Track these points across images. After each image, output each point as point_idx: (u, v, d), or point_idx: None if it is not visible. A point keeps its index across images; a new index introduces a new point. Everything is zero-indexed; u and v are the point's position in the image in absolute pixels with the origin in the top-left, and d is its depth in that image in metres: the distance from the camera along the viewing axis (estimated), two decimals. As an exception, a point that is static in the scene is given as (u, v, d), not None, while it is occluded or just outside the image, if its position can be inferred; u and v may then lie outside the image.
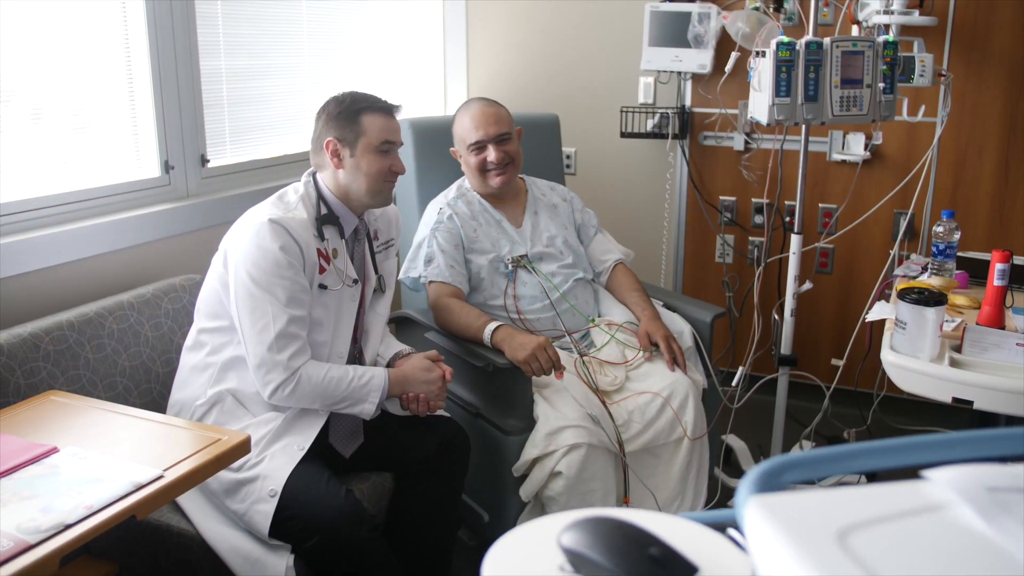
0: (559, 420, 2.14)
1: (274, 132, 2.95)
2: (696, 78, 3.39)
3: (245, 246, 1.90)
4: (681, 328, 2.54)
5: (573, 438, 2.11)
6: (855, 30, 2.86)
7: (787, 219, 3.39)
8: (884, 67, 2.30)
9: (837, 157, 3.25)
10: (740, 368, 2.57)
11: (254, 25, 2.83)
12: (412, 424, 2.09)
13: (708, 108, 3.42)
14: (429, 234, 2.47)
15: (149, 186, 2.46)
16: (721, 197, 3.50)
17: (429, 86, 3.77)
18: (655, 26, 3.27)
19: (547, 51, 3.65)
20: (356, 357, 2.13)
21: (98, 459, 1.45)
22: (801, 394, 3.14)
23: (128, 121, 2.41)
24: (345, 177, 2.03)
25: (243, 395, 1.95)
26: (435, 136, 2.77)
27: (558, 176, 2.98)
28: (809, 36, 2.34)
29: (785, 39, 2.27)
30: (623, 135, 3.43)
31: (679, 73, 3.38)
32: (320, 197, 2.05)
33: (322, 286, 1.98)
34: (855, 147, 3.21)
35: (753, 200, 3.45)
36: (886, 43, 2.30)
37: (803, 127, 2.48)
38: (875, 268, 3.35)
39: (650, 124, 3.43)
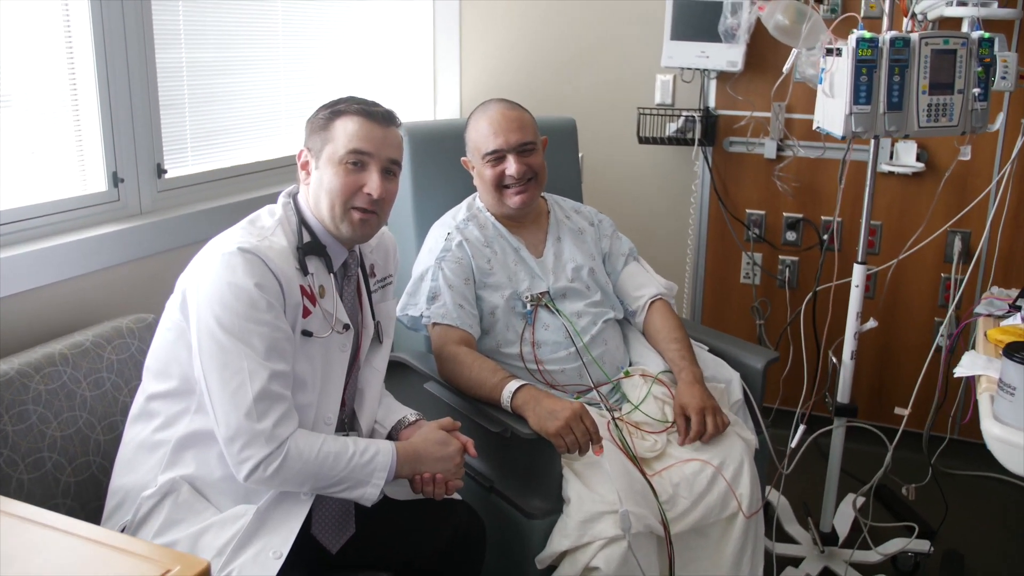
0: (596, 504, 1.75)
1: (244, 136, 2.53)
2: (723, 76, 3.01)
3: (210, 284, 1.49)
4: (728, 376, 2.16)
5: (614, 528, 1.72)
6: (907, 25, 2.48)
7: (824, 237, 3.03)
8: (979, 69, 1.93)
9: (885, 168, 2.88)
10: (800, 428, 2.18)
11: (220, 11, 2.40)
12: (415, 509, 1.69)
13: (736, 110, 3.03)
14: (434, 265, 2.06)
15: (92, 203, 2.04)
16: (748, 210, 3.12)
17: (417, 87, 3.34)
18: (679, 17, 2.88)
19: (550, 46, 3.25)
20: (347, 425, 1.73)
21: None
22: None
23: (68, 125, 1.98)
24: (311, 195, 1.64)
25: (204, 483, 1.54)
26: (433, 144, 2.36)
27: (575, 192, 2.58)
28: (889, 31, 1.95)
29: (867, 34, 1.88)
30: (642, 140, 3.04)
31: (703, 71, 3.00)
32: (302, 221, 1.64)
33: (306, 332, 1.57)
34: (906, 157, 2.85)
35: (785, 214, 3.08)
36: (981, 40, 1.93)
37: (872, 140, 2.10)
38: (924, 292, 3.00)
39: (670, 128, 3.03)
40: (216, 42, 2.39)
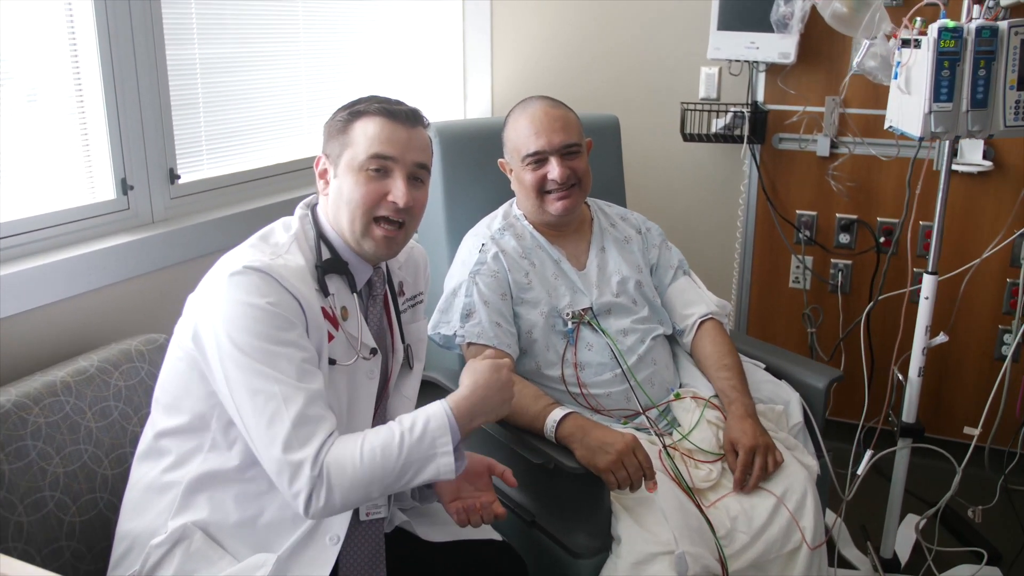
0: (649, 544, 1.58)
1: (263, 137, 2.37)
2: (773, 69, 2.81)
3: (221, 308, 1.33)
4: (787, 397, 1.98)
5: (669, 571, 1.55)
6: (976, 12, 2.28)
7: (881, 239, 2.83)
8: (1076, 61, 1.73)
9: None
10: (868, 452, 1.99)
11: (235, 3, 2.24)
12: (451, 552, 1.53)
13: (787, 105, 2.84)
14: (468, 279, 1.89)
15: (99, 212, 1.89)
16: (798, 211, 2.93)
17: (446, 85, 3.17)
18: (727, 6, 2.69)
19: (585, 39, 3.06)
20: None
21: None
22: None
23: (73, 128, 1.84)
24: (330, 207, 1.48)
25: (219, 528, 1.39)
26: (465, 145, 2.19)
27: (618, 196, 2.40)
28: (972, 19, 1.76)
29: (950, 23, 1.69)
30: (687, 138, 2.85)
31: (752, 63, 2.80)
32: (320, 236, 1.48)
33: (330, 361, 1.41)
34: (971, 154, 2.64)
35: (838, 215, 2.89)
36: (1078, 30, 1.73)
37: (946, 141, 1.90)
38: (987, 299, 2.80)
39: (717, 124, 2.85)
40: (232, 36, 2.23)
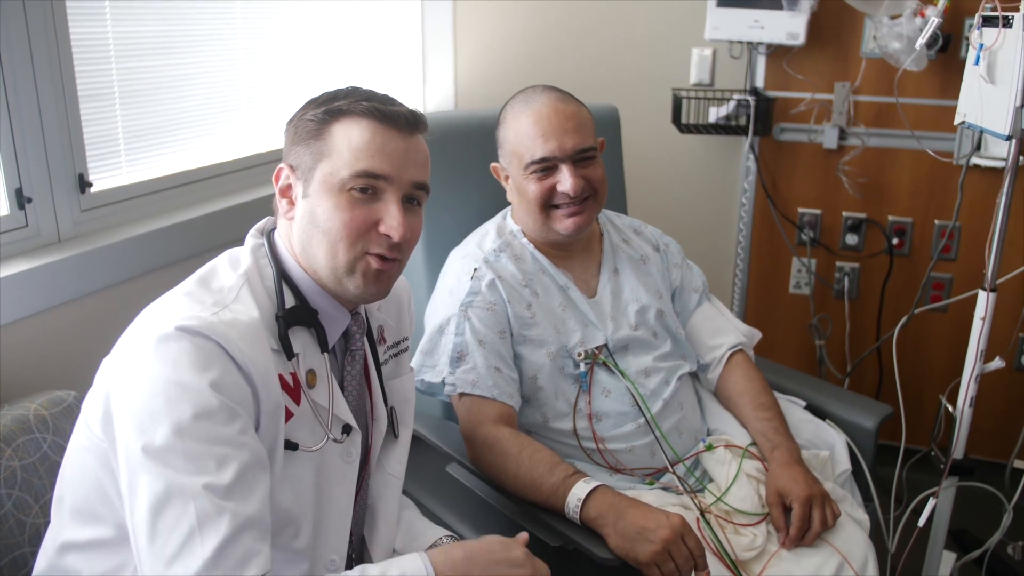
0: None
1: (195, 132, 1.98)
2: (775, 52, 2.51)
3: (139, 386, 0.97)
4: (832, 440, 1.69)
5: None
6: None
7: (894, 240, 2.57)
8: None
9: (973, 161, 2.41)
10: (931, 500, 1.71)
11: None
12: None
13: (791, 92, 2.54)
14: (458, 313, 1.54)
15: (-11, 232, 1.50)
16: (801, 209, 2.65)
17: (401, 69, 2.78)
18: (727, -21, 2.37)
19: (559, 15, 2.70)
20: (355, 559, 1.22)
21: None
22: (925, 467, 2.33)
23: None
24: (296, 235, 1.12)
25: None
26: (448, 142, 1.83)
27: (618, 202, 2.07)
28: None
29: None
30: (684, 129, 2.53)
31: (752, 44, 2.50)
32: (282, 275, 1.12)
33: (289, 445, 1.06)
34: (997, 148, 2.38)
35: (845, 214, 2.61)
36: None
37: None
38: (1009, 304, 2.55)
39: (715, 114, 2.54)
40: (154, 13, 1.83)
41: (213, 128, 2.03)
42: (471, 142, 1.84)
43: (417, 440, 1.62)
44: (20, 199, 1.55)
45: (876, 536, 1.71)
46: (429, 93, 2.86)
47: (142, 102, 1.81)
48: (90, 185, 1.67)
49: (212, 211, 1.89)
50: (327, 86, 1.17)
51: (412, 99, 2.82)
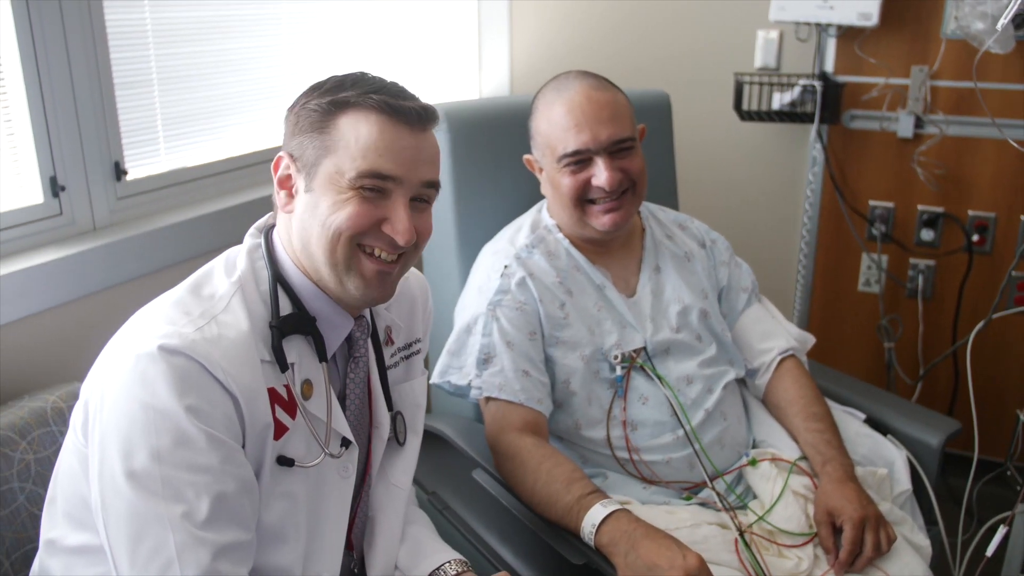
0: None
1: (235, 119, 1.96)
2: (846, 34, 2.36)
3: (117, 406, 0.94)
4: (891, 457, 1.57)
5: None
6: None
7: (975, 237, 2.40)
8: None
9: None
10: (1001, 528, 1.58)
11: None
12: None
13: (862, 76, 2.39)
14: (486, 313, 1.47)
15: (22, 220, 1.50)
16: (872, 202, 2.49)
17: (457, 57, 2.71)
18: (795, -42, 2.24)
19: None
20: (357, 573, 1.17)
21: None
22: (1002, 483, 2.17)
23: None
24: (295, 231, 1.06)
25: None
26: (482, 132, 1.76)
27: (669, 194, 1.96)
28: None
29: None
30: (745, 116, 2.40)
31: (821, 26, 2.35)
32: (279, 279, 1.06)
33: (283, 461, 1.01)
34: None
35: (920, 208, 2.45)
36: None
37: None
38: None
39: (780, 100, 2.40)
40: (194, -3, 1.81)
41: (253, 115, 2.00)
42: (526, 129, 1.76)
43: (442, 441, 1.57)
44: (54, 187, 1.54)
45: (940, 565, 1.59)
46: (485, 78, 2.79)
47: (181, 88, 1.79)
48: (126, 173, 1.66)
49: (250, 200, 1.87)
50: (378, 73, 1.09)
51: (468, 85, 2.75)
